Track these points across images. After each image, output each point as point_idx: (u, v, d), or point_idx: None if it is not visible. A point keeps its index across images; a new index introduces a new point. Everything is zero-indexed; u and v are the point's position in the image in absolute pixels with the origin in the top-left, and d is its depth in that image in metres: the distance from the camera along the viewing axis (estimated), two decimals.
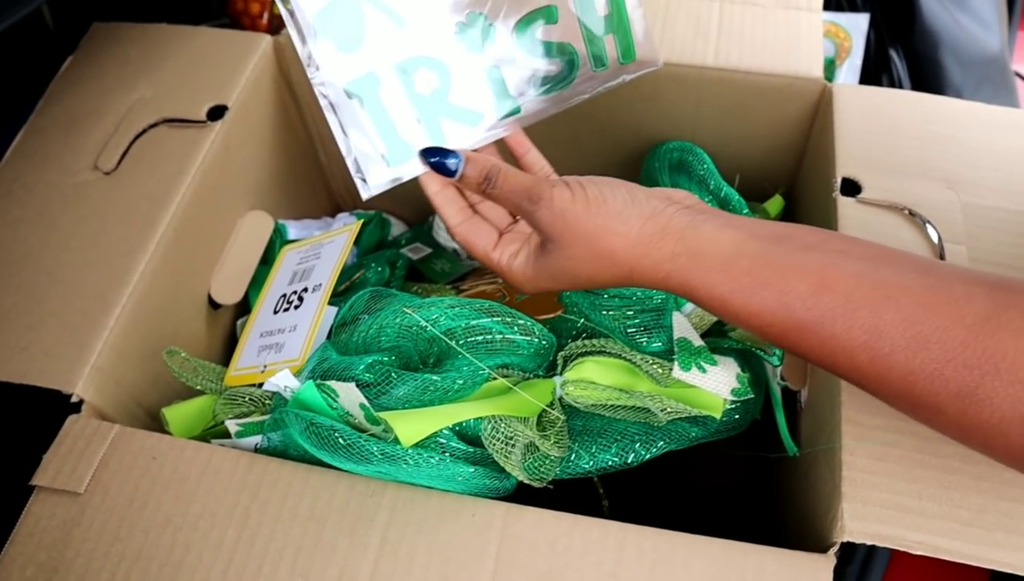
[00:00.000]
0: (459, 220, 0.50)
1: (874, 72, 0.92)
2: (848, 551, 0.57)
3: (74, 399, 0.49)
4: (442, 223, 0.51)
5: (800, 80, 0.64)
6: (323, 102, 0.49)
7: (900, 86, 0.89)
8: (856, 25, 0.90)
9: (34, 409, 0.49)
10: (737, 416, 0.51)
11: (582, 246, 0.43)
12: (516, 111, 0.53)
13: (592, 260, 0.43)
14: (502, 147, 0.54)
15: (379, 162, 0.51)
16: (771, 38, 0.65)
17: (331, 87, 0.49)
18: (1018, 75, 0.95)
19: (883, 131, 0.60)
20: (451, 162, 0.48)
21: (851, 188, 0.57)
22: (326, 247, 0.59)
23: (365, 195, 0.51)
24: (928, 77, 0.89)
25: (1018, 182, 0.57)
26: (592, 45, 0.52)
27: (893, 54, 0.90)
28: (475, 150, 0.52)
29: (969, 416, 0.33)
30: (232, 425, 0.50)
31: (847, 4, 0.95)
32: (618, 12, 0.51)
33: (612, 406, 0.49)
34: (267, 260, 0.67)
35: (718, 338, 0.54)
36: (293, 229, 0.70)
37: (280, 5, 0.48)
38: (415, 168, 0.50)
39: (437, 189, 0.50)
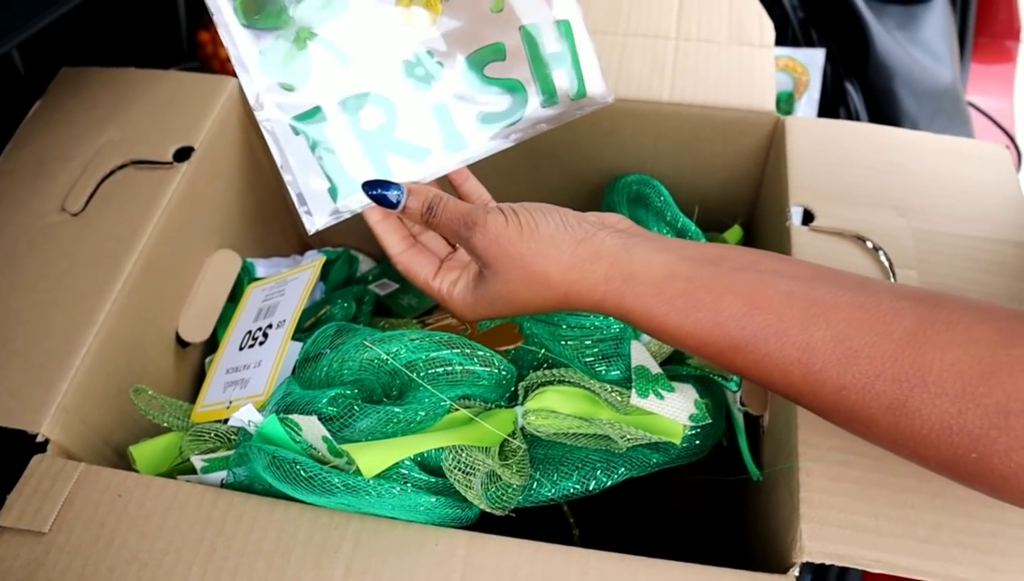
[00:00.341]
0: (400, 249, 0.50)
1: (831, 105, 0.94)
2: (821, 573, 0.57)
3: (40, 439, 0.49)
4: None
5: (753, 113, 0.66)
6: (269, 139, 0.50)
7: (857, 118, 0.91)
8: (813, 60, 0.93)
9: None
10: (698, 442, 0.52)
11: (517, 270, 0.43)
12: (463, 147, 0.52)
13: (527, 284, 0.44)
14: (441, 177, 0.54)
15: (324, 196, 0.51)
16: (725, 73, 0.67)
17: (277, 123, 0.50)
18: (972, 105, 0.98)
19: (835, 161, 0.62)
20: (392, 194, 0.48)
21: (804, 216, 0.58)
22: (290, 284, 0.59)
23: (311, 229, 0.51)
24: (884, 109, 0.91)
25: (966, 208, 0.59)
26: (542, 82, 0.52)
27: (849, 87, 0.93)
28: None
29: (900, 428, 0.34)
30: (198, 461, 0.50)
31: (803, 39, 0.98)
32: (568, 48, 0.52)
33: (573, 434, 0.49)
34: (235, 298, 0.67)
35: (677, 365, 0.54)
36: (261, 267, 0.71)
37: (227, 43, 0.48)
38: (361, 201, 0.51)
39: (378, 219, 0.51)
